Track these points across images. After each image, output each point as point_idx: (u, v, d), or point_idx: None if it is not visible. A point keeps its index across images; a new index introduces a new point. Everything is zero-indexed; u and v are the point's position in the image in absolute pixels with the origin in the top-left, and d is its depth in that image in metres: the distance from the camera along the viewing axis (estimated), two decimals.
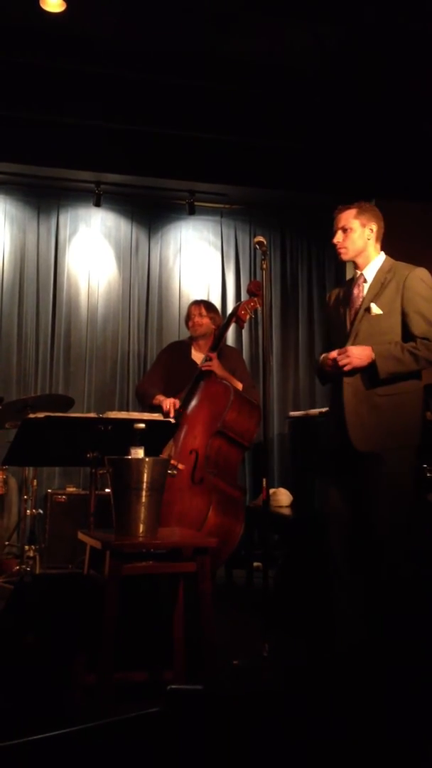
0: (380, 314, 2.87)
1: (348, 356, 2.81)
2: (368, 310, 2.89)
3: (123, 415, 3.02)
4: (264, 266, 3.26)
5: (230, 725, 1.41)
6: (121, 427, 2.77)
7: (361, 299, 2.96)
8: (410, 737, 1.58)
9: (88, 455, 2.85)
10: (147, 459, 2.44)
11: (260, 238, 3.27)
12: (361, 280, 3.00)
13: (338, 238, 3.00)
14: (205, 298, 5.60)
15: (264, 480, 3.13)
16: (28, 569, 4.41)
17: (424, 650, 2.68)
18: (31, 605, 2.93)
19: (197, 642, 2.54)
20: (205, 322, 4.34)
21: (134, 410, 5.24)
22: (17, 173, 5.67)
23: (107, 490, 2.71)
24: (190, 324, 4.39)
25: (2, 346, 5.77)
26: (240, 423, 3.91)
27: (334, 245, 3.02)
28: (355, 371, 2.84)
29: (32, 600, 2.96)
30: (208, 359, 4.07)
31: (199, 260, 6.27)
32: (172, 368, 4.33)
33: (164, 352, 4.59)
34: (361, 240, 2.98)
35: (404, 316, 2.86)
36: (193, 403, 4.05)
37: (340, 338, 2.97)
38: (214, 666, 2.46)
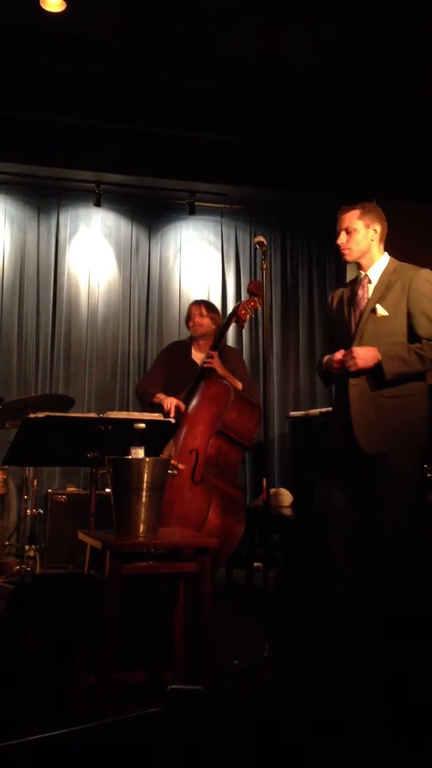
0: (386, 316, 2.86)
1: (354, 357, 2.81)
2: (374, 311, 2.88)
3: (123, 415, 3.02)
4: (264, 266, 3.26)
5: (230, 725, 1.41)
6: (121, 427, 2.78)
7: (366, 300, 2.94)
8: (410, 737, 1.58)
9: (89, 455, 2.86)
10: (147, 459, 2.44)
11: (260, 238, 3.27)
12: (366, 281, 2.99)
13: (342, 239, 2.98)
14: (205, 298, 5.60)
15: (264, 480, 3.13)
16: (29, 569, 4.40)
17: (425, 650, 2.67)
18: (31, 605, 2.93)
19: (197, 642, 2.53)
20: (205, 322, 4.34)
21: (134, 410, 5.24)
22: (17, 173, 5.67)
23: (107, 490, 2.71)
24: (191, 324, 4.39)
25: (2, 346, 5.76)
26: (240, 423, 3.91)
27: (338, 246, 3.00)
28: (360, 372, 2.83)
29: (32, 600, 2.96)
30: (209, 357, 4.08)
31: (199, 260, 6.27)
32: (173, 368, 4.33)
33: (164, 352, 4.59)
34: (365, 241, 2.96)
35: (410, 317, 2.85)
36: (194, 403, 4.05)
37: (345, 339, 2.96)
38: (214, 666, 2.46)
